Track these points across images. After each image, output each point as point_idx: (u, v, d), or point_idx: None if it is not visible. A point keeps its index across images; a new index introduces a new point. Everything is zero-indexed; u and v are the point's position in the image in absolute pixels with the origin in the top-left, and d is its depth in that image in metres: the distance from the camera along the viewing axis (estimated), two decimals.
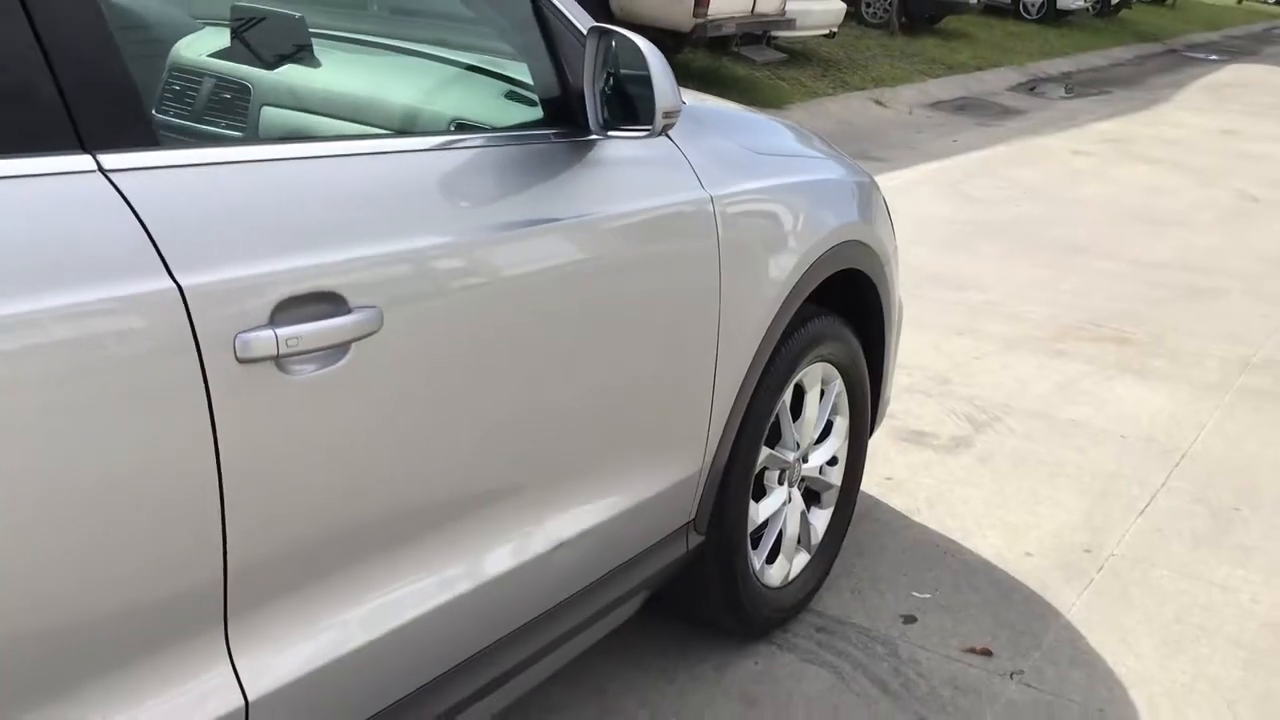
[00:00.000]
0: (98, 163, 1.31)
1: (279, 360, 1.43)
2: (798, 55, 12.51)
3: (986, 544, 3.30)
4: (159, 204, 1.34)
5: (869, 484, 3.49)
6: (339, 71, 2.29)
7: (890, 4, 15.58)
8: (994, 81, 14.26)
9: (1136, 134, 11.16)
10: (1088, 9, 20.95)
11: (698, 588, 2.57)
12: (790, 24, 11.50)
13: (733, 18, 10.54)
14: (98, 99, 1.32)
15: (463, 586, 1.78)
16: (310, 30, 2.29)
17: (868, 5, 15.77)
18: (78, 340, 1.25)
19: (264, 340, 1.40)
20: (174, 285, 1.33)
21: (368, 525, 1.61)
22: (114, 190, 1.31)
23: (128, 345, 1.30)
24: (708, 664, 2.67)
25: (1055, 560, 3.25)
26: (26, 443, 1.22)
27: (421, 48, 2.30)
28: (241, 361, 1.39)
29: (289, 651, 1.52)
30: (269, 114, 2.22)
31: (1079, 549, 3.32)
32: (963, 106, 12.39)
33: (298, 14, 2.32)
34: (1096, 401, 4.42)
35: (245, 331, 1.39)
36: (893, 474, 3.66)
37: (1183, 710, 2.64)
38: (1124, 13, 23.14)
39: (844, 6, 13.10)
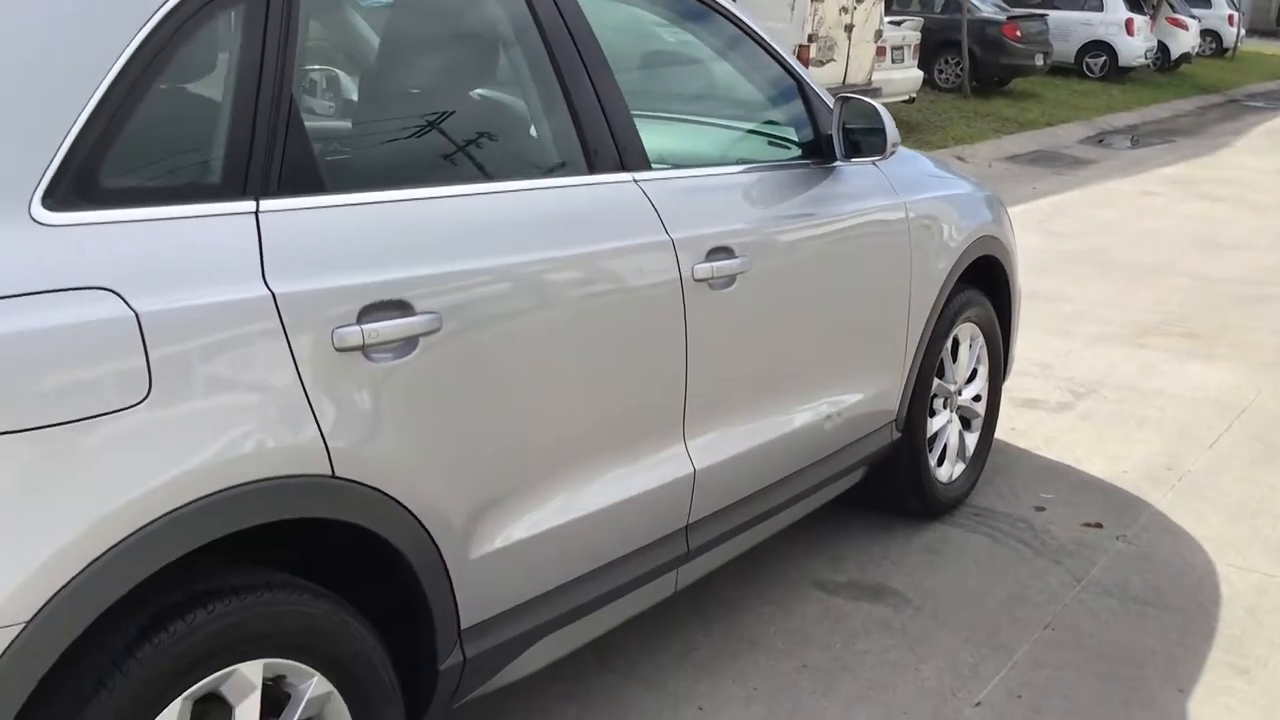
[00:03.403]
0: (634, 179, 2.56)
1: (709, 282, 2.65)
2: None
3: (1093, 467, 4.42)
4: (660, 197, 2.58)
5: (999, 432, 4.62)
6: (665, 136, 3.50)
7: (962, 69, 16.83)
8: (1064, 136, 15.36)
9: (1200, 176, 12.22)
10: (1149, 65, 21.99)
11: (894, 478, 3.73)
12: (876, 92, 12.77)
13: (827, 88, 11.81)
14: (630, 148, 2.57)
15: (785, 430, 2.98)
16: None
17: (940, 71, 17.03)
18: (631, 263, 2.48)
19: (705, 269, 2.63)
20: (669, 238, 2.56)
21: (746, 380, 2.83)
22: (641, 192, 2.55)
23: (650, 268, 2.52)
24: (900, 533, 3.82)
25: (1145, 474, 4.36)
26: (610, 322, 2.44)
27: (712, 119, 3.52)
28: (695, 280, 2.61)
29: (711, 446, 2.73)
30: None
31: (1163, 468, 4.43)
32: (1037, 159, 13.51)
33: None
34: (1172, 377, 5.52)
35: (696, 264, 2.61)
36: (1015, 426, 4.79)
37: (1243, 553, 3.75)
38: (1184, 67, 24.14)
39: (921, 74, 14.37)
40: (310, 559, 2.06)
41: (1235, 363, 5.77)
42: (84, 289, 1.64)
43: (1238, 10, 29.48)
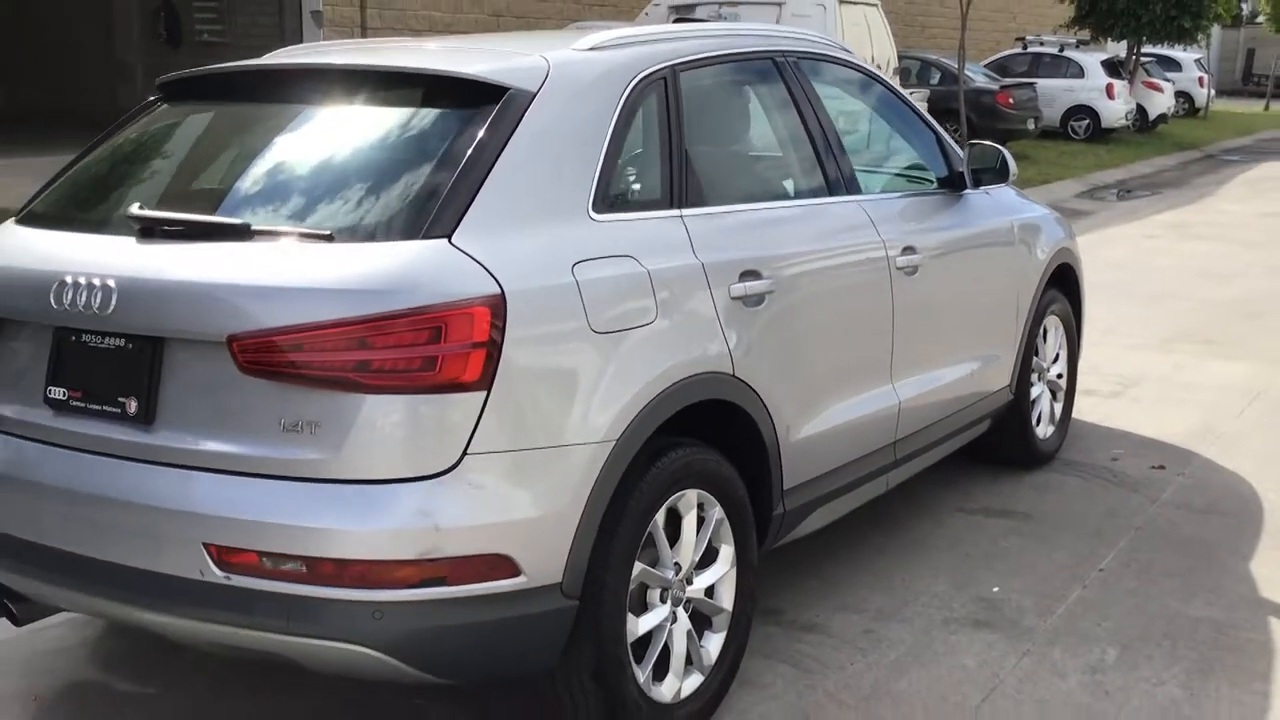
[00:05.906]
0: (856, 200, 3.75)
1: (905, 270, 3.83)
2: None
3: (1147, 432, 5.58)
4: (871, 212, 3.77)
5: None
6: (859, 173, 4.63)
7: (959, 134, 18.25)
8: (1060, 191, 16.71)
9: (1191, 220, 13.54)
10: (1129, 126, 23.51)
11: (1005, 434, 4.88)
12: None
13: None
14: (850, 180, 3.76)
15: (946, 380, 4.15)
16: None
17: None
18: (864, 255, 3.67)
19: (903, 261, 3.81)
20: (881, 239, 3.74)
21: (924, 342, 3.99)
22: (862, 209, 3.75)
23: (874, 259, 3.70)
24: (1010, 478, 4.96)
25: (1191, 436, 5.52)
26: (856, 293, 3.62)
27: (882, 162, 4.70)
28: (896, 268, 3.79)
29: (907, 386, 3.89)
30: None
31: (1204, 431, 5.60)
32: None
33: None
34: (1198, 372, 6.71)
35: (897, 256, 3.79)
36: (1080, 408, 5.94)
37: (1276, 482, 4.90)
38: (1162, 127, 25.69)
39: None
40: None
41: (1248, 361, 6.97)
42: (621, 256, 2.81)
43: (1207, 72, 31.25)
